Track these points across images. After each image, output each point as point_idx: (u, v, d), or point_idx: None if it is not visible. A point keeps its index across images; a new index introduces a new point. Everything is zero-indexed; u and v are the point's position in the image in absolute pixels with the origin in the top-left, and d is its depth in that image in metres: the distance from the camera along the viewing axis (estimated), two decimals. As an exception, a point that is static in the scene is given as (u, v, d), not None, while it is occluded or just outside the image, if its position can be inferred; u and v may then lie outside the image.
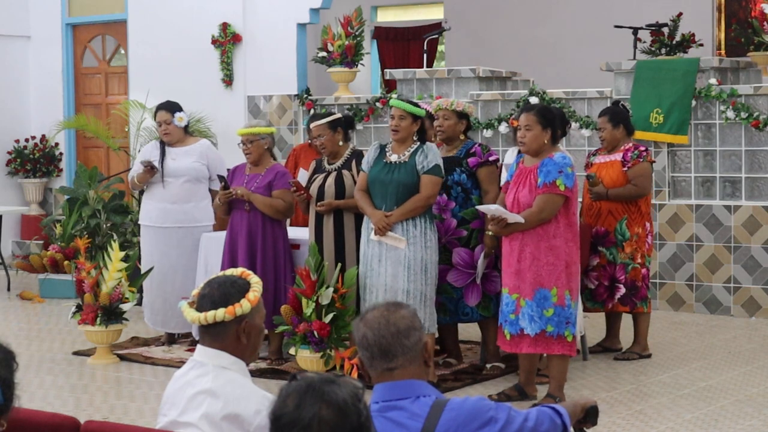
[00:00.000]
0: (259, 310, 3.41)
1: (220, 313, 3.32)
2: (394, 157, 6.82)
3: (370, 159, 6.91)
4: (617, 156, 7.71)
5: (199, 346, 3.43)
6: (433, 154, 6.76)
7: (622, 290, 7.64)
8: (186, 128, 8.37)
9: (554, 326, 6.31)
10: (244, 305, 3.34)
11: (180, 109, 8.32)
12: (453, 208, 7.12)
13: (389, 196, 6.76)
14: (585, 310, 7.66)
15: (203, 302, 3.37)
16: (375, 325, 3.02)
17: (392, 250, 6.72)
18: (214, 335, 3.37)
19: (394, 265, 6.71)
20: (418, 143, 6.82)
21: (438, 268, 6.88)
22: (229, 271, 3.47)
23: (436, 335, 7.30)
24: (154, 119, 8.46)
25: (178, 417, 3.36)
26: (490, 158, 7.20)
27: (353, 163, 7.30)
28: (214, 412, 3.29)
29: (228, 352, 3.36)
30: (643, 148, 7.70)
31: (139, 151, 10.49)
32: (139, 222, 8.49)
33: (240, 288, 3.37)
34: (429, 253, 6.75)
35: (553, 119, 6.42)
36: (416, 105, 6.91)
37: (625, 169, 7.64)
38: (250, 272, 3.45)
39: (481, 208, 6.72)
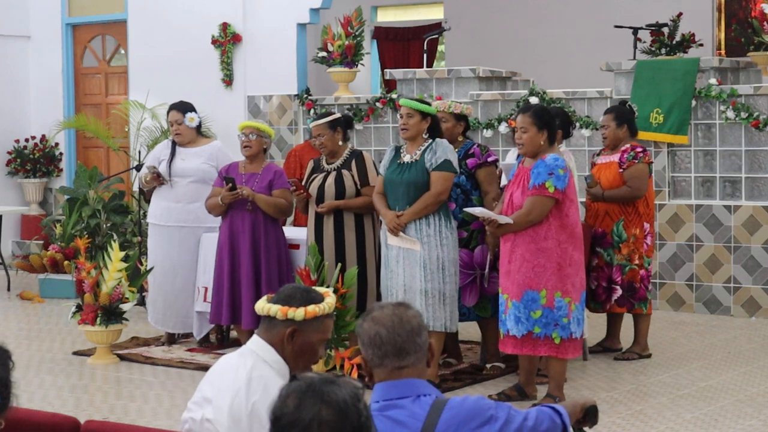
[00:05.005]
0: (316, 326, 3.44)
1: (274, 309, 3.45)
2: (407, 158, 6.80)
3: (386, 161, 6.90)
4: (616, 157, 7.70)
5: (254, 335, 3.54)
6: (442, 150, 6.72)
7: (619, 292, 7.64)
8: (198, 129, 8.37)
9: (541, 327, 6.31)
10: (297, 312, 3.42)
11: (192, 110, 8.30)
12: (453, 210, 7.12)
13: (401, 196, 6.75)
14: (589, 310, 7.66)
15: (277, 297, 3.51)
16: (389, 323, 3.02)
17: (409, 250, 6.72)
18: (266, 327, 3.49)
19: (411, 265, 6.70)
20: (430, 141, 6.81)
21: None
22: (322, 288, 3.62)
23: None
24: (167, 119, 8.46)
25: (209, 395, 3.46)
26: (489, 159, 7.19)
27: (353, 163, 7.30)
28: (239, 403, 3.36)
29: (276, 350, 3.45)
30: (640, 150, 7.66)
31: (145, 151, 10.51)
32: (147, 220, 8.51)
33: (307, 298, 3.47)
34: (446, 251, 6.70)
35: (550, 120, 6.41)
36: (425, 103, 6.91)
37: (621, 170, 7.63)
38: (331, 293, 3.56)
39: (467, 210, 6.72)
